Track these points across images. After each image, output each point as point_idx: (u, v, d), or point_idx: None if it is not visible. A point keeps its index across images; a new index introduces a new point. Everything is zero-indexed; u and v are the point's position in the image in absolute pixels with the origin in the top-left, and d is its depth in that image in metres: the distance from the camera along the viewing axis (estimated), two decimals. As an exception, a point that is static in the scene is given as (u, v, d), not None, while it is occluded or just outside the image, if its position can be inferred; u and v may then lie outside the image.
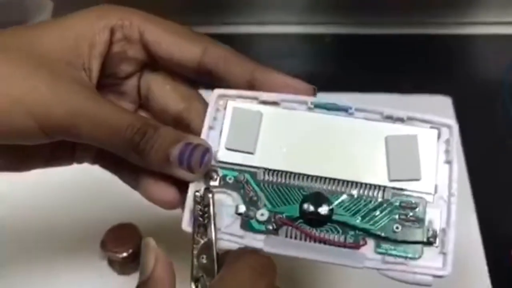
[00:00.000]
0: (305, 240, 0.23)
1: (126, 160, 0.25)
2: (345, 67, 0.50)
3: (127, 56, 0.26)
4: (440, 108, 0.43)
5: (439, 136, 0.24)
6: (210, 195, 0.23)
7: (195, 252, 0.23)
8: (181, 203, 0.25)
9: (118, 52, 0.26)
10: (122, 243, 0.35)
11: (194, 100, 0.27)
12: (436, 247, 0.22)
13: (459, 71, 0.49)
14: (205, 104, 0.26)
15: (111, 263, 0.36)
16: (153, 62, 0.27)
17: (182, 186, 0.25)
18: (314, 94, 0.25)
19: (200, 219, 0.23)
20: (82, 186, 0.39)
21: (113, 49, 0.26)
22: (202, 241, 0.23)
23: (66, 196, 0.39)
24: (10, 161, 0.26)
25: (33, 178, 0.39)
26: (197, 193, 0.23)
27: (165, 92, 0.27)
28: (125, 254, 0.35)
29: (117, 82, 0.27)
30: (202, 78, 0.26)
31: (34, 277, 0.36)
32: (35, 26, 0.25)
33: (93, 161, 0.28)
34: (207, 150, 0.23)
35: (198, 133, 0.25)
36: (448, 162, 0.23)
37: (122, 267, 0.36)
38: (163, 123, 0.25)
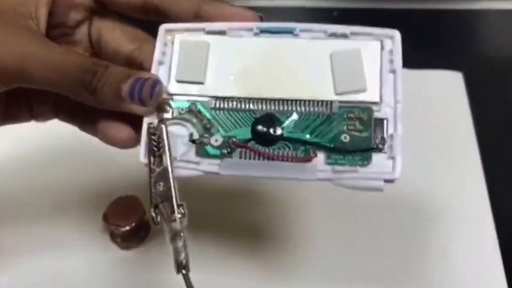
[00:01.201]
0: (259, 159, 0.24)
1: (82, 107, 0.25)
2: None
3: (74, 2, 0.27)
4: (451, 84, 0.43)
5: (382, 48, 0.24)
6: (163, 126, 0.24)
7: (152, 180, 0.24)
8: (138, 142, 0.25)
9: (64, 0, 0.26)
10: (125, 216, 0.34)
11: (145, 40, 0.27)
12: (385, 153, 0.23)
13: (471, 47, 0.48)
14: (155, 43, 0.26)
15: (113, 236, 0.35)
16: (101, 8, 0.27)
17: (138, 126, 0.25)
18: (262, 21, 0.26)
19: (156, 149, 0.24)
20: (85, 158, 0.39)
21: None
22: (158, 170, 0.24)
23: (69, 168, 0.39)
24: None
25: (36, 148, 0.40)
26: (151, 125, 0.24)
27: (115, 35, 0.27)
28: (127, 228, 0.34)
29: (68, 32, 0.27)
30: (150, 16, 0.26)
31: (35, 251, 0.35)
32: None
33: (52, 115, 0.28)
34: (156, 82, 0.24)
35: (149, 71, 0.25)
36: (393, 71, 0.24)
37: (125, 241, 0.35)
38: None
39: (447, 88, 0.43)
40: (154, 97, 0.24)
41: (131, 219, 0.34)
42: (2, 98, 0.26)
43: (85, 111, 0.27)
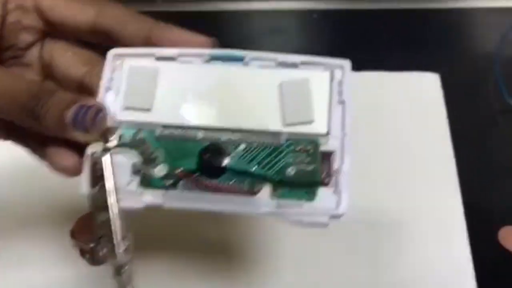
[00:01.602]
0: (203, 191, 0.23)
1: (31, 131, 0.25)
2: (333, 44, 0.49)
3: (24, 25, 0.26)
4: (428, 85, 0.42)
5: (332, 78, 0.24)
6: (106, 155, 0.23)
7: (94, 213, 0.23)
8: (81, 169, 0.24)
9: (14, 22, 0.26)
10: (92, 231, 0.34)
11: (96, 64, 0.26)
12: (331, 187, 0.22)
13: (449, 47, 0.47)
14: None
15: (82, 253, 0.35)
16: (53, 30, 0.27)
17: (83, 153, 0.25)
18: (215, 47, 0.25)
19: (98, 180, 0.23)
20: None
21: (8, 19, 0.25)
22: (101, 201, 0.23)
23: (37, 184, 0.38)
24: None
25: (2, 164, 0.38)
26: (94, 154, 0.23)
27: (66, 58, 0.27)
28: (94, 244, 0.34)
29: (19, 54, 0.27)
30: (100, 40, 0.26)
31: (8, 268, 0.35)
32: None
33: (3, 137, 0.28)
34: (100, 109, 0.23)
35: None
36: (342, 102, 0.23)
37: (94, 257, 0.35)
38: (68, 90, 0.25)
39: (424, 89, 0.42)
40: (97, 125, 0.23)
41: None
42: None
43: (34, 136, 0.26)
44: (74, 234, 0.34)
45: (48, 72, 0.27)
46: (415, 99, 0.42)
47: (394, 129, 0.40)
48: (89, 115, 0.23)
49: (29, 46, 0.27)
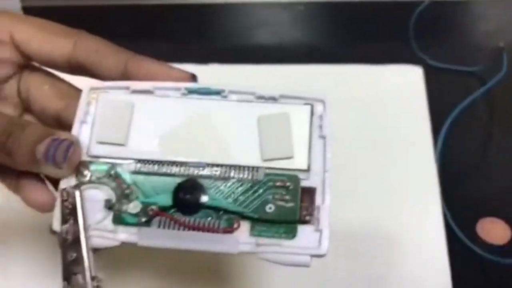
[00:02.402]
0: (179, 229, 0.22)
1: (3, 165, 0.24)
2: (319, 37, 0.50)
3: (0, 58, 0.25)
4: (411, 78, 0.43)
5: (312, 112, 0.23)
6: (77, 192, 0.22)
7: (64, 250, 0.22)
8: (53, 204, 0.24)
9: None
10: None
11: (73, 97, 0.26)
12: (312, 225, 0.21)
13: (434, 39, 0.47)
14: None
15: None
16: (30, 63, 0.26)
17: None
18: (194, 81, 0.25)
19: (69, 217, 0.22)
20: None
21: None
22: (70, 239, 0.22)
23: None
24: None
25: None
26: (64, 191, 0.22)
27: (43, 91, 0.26)
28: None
29: None
30: (77, 73, 0.25)
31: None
32: None
33: None
34: (71, 143, 0.23)
35: (76, 130, 0.24)
36: (322, 137, 0.23)
37: None
38: (44, 124, 0.24)
39: (406, 82, 0.42)
40: (68, 160, 0.22)
41: None
42: None
43: (7, 170, 0.25)
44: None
45: (26, 106, 0.27)
46: (397, 92, 0.42)
47: (374, 123, 0.40)
48: (60, 149, 0.22)
49: (7, 79, 0.26)
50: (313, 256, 0.21)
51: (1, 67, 0.26)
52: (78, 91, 0.26)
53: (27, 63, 0.26)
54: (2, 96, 0.26)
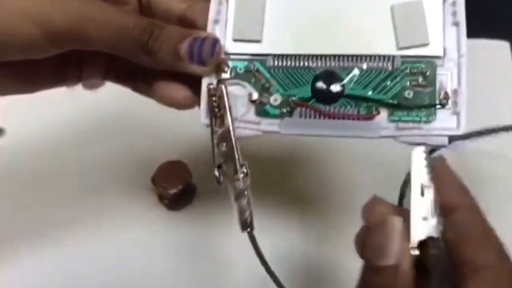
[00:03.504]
0: (320, 118, 0.24)
1: (135, 68, 0.25)
2: None
3: None
4: (497, 53, 0.41)
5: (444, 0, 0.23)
6: (223, 86, 0.24)
7: (215, 141, 0.24)
8: (195, 102, 0.25)
9: None
10: (172, 179, 0.35)
11: None
12: (449, 108, 0.23)
13: None
14: (207, 2, 0.26)
15: (161, 199, 0.37)
16: None
17: (194, 86, 0.25)
18: None
19: (216, 110, 0.24)
20: (133, 123, 0.39)
21: None
22: (220, 131, 0.24)
23: (119, 131, 0.39)
24: (18, 81, 0.26)
25: (86, 112, 0.40)
26: (210, 86, 0.24)
27: None
28: (175, 190, 0.35)
29: None
30: None
31: (85, 212, 0.36)
32: None
33: (100, 77, 0.28)
34: (216, 40, 0.24)
35: (204, 30, 0.25)
36: (456, 24, 0.23)
37: (171, 203, 0.36)
38: None
39: (493, 58, 0.41)
40: (215, 57, 0.24)
41: (178, 182, 0.35)
42: (53, 61, 0.26)
43: (137, 73, 0.27)
44: (155, 181, 0.36)
45: (145, 9, 0.28)
46: (483, 68, 0.39)
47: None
48: (206, 47, 0.23)
49: None
50: (451, 136, 0.23)
51: None
52: None
53: None
54: (122, 0, 0.27)
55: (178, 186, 0.35)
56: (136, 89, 0.28)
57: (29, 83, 0.27)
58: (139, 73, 0.27)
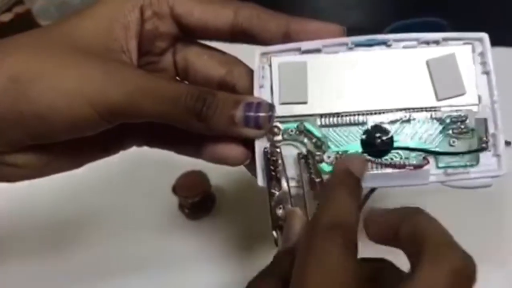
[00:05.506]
0: (373, 169, 0.25)
1: (181, 134, 0.26)
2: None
3: (160, 32, 0.26)
4: None
5: (473, 50, 0.25)
6: (277, 149, 0.25)
7: (272, 203, 0.25)
8: (249, 156, 0.26)
9: (151, 30, 0.26)
10: (192, 189, 0.37)
11: (234, 63, 0.27)
12: (489, 151, 0.25)
13: None
14: (245, 66, 0.27)
15: (181, 207, 0.38)
16: (184, 35, 0.27)
17: (244, 142, 0.26)
18: (344, 35, 0.26)
19: (272, 173, 0.25)
20: None
21: (145, 27, 0.26)
22: (277, 193, 0.25)
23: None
24: (64, 159, 0.26)
25: None
26: (265, 150, 0.25)
27: (204, 61, 0.28)
28: (195, 200, 0.37)
29: (154, 60, 0.27)
30: (237, 40, 0.27)
31: (105, 219, 0.38)
32: (68, 19, 0.25)
33: (141, 144, 0.29)
34: (272, 105, 0.25)
35: (245, 94, 0.26)
36: (486, 72, 0.25)
37: (191, 212, 0.38)
38: None
39: None
40: (272, 121, 0.25)
41: (198, 192, 0.37)
42: (98, 135, 0.26)
43: (181, 137, 0.27)
44: (175, 190, 0.37)
45: (182, 76, 0.28)
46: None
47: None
48: (262, 112, 0.24)
49: (164, 51, 0.27)
50: (494, 177, 0.25)
51: (161, 39, 0.27)
52: (234, 58, 0.28)
53: (183, 35, 0.27)
54: (160, 67, 0.28)
55: (198, 196, 0.37)
56: (180, 152, 0.29)
57: (73, 159, 0.27)
58: (184, 138, 0.27)
